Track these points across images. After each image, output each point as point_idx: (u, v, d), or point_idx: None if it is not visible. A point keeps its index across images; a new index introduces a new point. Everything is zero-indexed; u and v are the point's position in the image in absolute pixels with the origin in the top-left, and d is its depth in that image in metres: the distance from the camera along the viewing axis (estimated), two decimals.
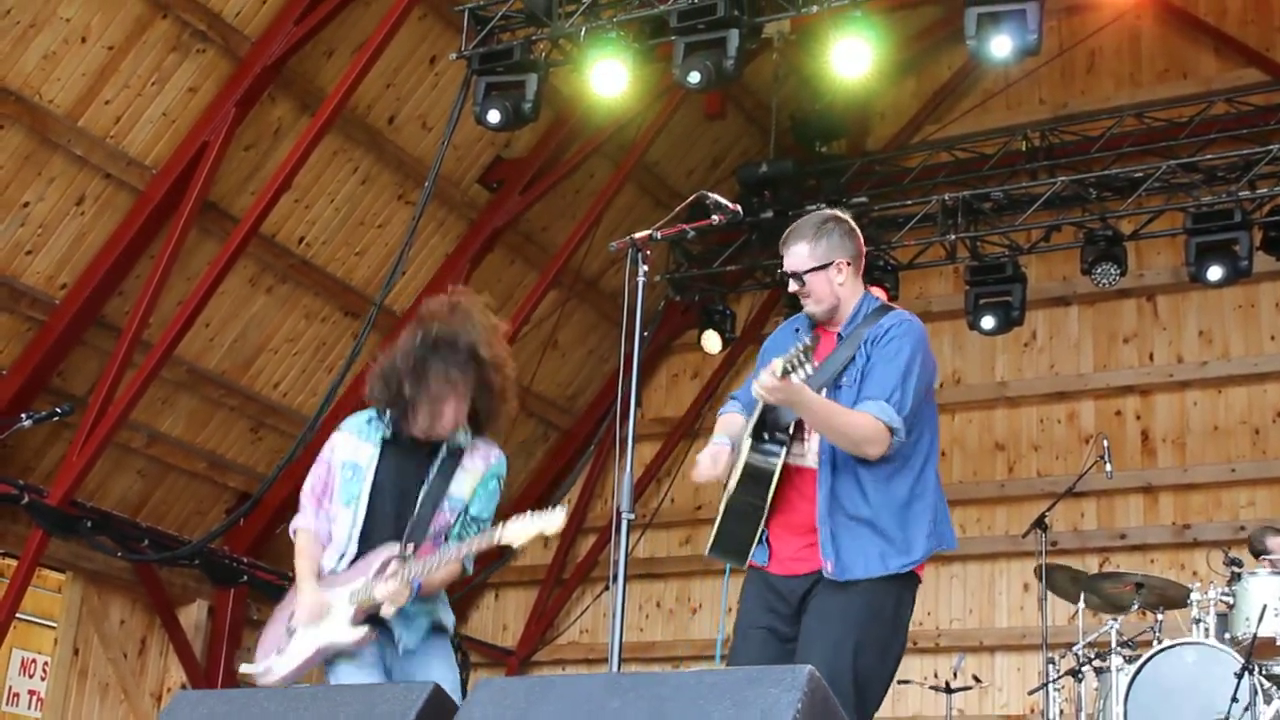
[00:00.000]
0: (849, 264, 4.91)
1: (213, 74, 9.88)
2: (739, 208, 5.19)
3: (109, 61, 9.46)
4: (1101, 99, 12.63)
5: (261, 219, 10.08)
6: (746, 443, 4.81)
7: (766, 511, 4.79)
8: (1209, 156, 11.22)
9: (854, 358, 4.74)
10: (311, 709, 3.98)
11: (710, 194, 5.25)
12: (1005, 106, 12.99)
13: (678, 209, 5.31)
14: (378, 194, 11.17)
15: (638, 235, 5.03)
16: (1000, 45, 8.71)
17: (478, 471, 5.25)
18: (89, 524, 10.33)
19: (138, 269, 10.04)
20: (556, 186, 11.88)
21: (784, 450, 4.76)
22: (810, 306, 4.92)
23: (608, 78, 9.68)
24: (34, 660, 13.08)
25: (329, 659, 5.15)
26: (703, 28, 9.08)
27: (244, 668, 5.44)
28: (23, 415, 7.18)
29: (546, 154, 11.69)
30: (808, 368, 4.46)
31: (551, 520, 4.97)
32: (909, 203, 12.01)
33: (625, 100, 10.45)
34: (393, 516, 5.17)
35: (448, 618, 5.31)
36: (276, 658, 5.21)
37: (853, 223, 5.02)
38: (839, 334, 4.89)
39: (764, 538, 4.85)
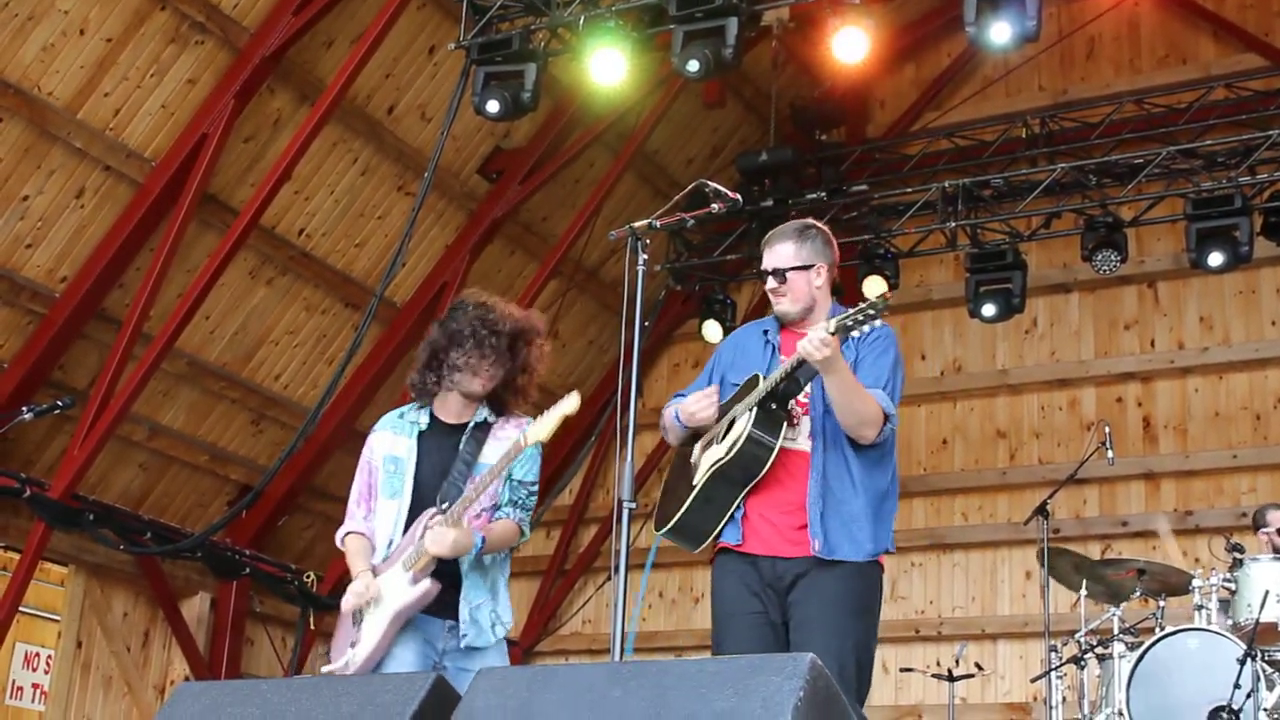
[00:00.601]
0: (827, 270, 5.06)
1: (211, 65, 9.87)
2: (738, 196, 5.22)
3: (108, 54, 9.45)
4: (1101, 85, 12.62)
5: (261, 211, 10.08)
6: (748, 414, 4.85)
7: (748, 491, 4.88)
8: (1209, 142, 11.21)
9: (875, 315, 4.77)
10: (314, 699, 3.98)
11: (709, 182, 5.26)
12: (1005, 93, 12.97)
13: (677, 198, 5.32)
14: (377, 185, 11.16)
15: (637, 224, 5.05)
16: (1000, 32, 8.69)
17: (511, 438, 5.32)
18: (91, 517, 10.33)
19: (138, 261, 10.03)
20: (556, 176, 11.86)
21: (782, 430, 4.85)
22: (785, 306, 5.04)
23: (606, 67, 9.66)
24: (37, 654, 13.07)
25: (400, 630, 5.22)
26: (701, 16, 9.05)
27: (325, 667, 5.51)
28: (24, 408, 7.19)
29: (546, 144, 11.68)
30: (876, 323, 4.60)
31: (567, 403, 5.12)
32: (909, 190, 12.00)
33: (624, 89, 10.42)
34: (438, 493, 5.30)
35: (507, 614, 5.39)
36: (352, 650, 5.29)
37: (829, 231, 5.16)
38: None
39: (738, 517, 4.92)
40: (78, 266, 9.88)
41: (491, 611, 5.32)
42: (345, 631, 5.39)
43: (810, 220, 5.21)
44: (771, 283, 5.03)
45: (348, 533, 5.45)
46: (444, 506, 5.21)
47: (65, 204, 9.68)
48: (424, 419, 5.45)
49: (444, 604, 5.23)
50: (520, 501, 5.39)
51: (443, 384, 5.41)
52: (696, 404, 5.03)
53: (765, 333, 5.14)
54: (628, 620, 4.98)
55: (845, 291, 10.25)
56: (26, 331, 9.87)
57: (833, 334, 4.58)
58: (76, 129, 9.50)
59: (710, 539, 5.00)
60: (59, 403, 7.12)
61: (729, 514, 4.93)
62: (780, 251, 5.03)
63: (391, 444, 5.46)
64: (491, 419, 5.43)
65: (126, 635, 11.20)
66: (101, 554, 10.77)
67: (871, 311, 4.57)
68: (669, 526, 5.06)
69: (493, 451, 5.34)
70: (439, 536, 5.10)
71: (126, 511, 10.82)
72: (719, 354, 5.28)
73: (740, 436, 4.85)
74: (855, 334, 4.62)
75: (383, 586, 5.23)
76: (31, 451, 10.25)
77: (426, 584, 5.15)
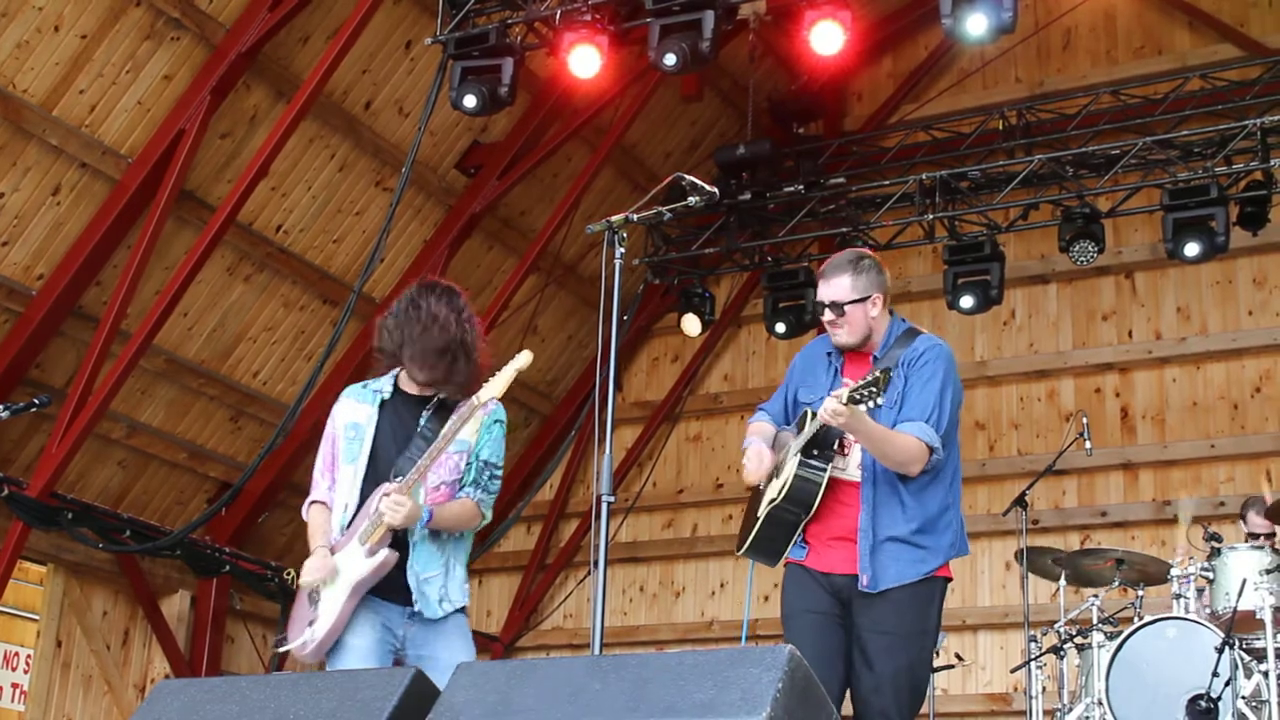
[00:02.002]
0: (882, 299, 5.27)
1: (187, 61, 9.84)
2: (715, 190, 5.26)
3: (83, 50, 9.41)
4: (1077, 77, 12.66)
5: (239, 207, 10.05)
6: (795, 458, 5.08)
7: (806, 521, 5.10)
8: (1185, 133, 11.24)
9: (891, 379, 4.95)
10: (294, 695, 3.98)
11: (687, 176, 5.28)
12: (982, 85, 13.00)
13: (654, 191, 5.32)
14: (355, 181, 11.14)
15: (614, 218, 5.05)
16: (976, 24, 8.73)
17: (477, 417, 5.35)
18: (69, 515, 10.29)
19: (115, 259, 10.00)
20: (534, 171, 11.85)
21: (830, 466, 5.07)
22: (842, 337, 5.24)
23: (583, 61, 9.65)
24: (16, 653, 13.03)
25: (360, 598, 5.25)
26: (678, 9, 9.07)
27: (281, 647, 5.56)
28: (0, 407, 7.15)
29: (523, 138, 11.66)
30: (879, 400, 4.79)
31: (520, 359, 5.28)
32: (886, 183, 12.03)
33: (602, 83, 10.43)
34: (393, 467, 5.33)
35: (458, 594, 5.37)
36: (310, 629, 5.31)
37: (879, 260, 5.40)
38: (874, 356, 5.21)
39: (801, 541, 5.18)
40: (54, 264, 9.84)
41: (441, 587, 5.31)
42: (302, 610, 5.40)
43: (864, 251, 5.40)
44: (829, 314, 5.21)
45: (311, 502, 5.47)
46: (396, 479, 5.24)
47: (41, 201, 9.64)
48: (387, 388, 5.50)
49: (401, 587, 5.25)
50: (483, 483, 5.40)
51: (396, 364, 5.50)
52: (751, 466, 5.25)
53: (829, 355, 5.34)
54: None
55: None
56: (3, 330, 9.82)
57: (845, 404, 4.78)
58: (52, 126, 9.46)
59: (783, 559, 5.26)
60: (36, 401, 7.08)
61: (793, 542, 5.18)
62: (837, 285, 5.21)
63: (353, 411, 5.50)
64: (452, 398, 5.43)
65: (106, 634, 11.17)
66: (80, 552, 10.74)
67: (875, 389, 4.75)
68: (745, 549, 5.30)
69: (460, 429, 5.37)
70: (392, 505, 5.12)
71: (105, 510, 10.78)
72: (792, 369, 5.49)
73: (788, 478, 5.08)
74: (863, 406, 4.80)
75: (339, 562, 5.25)
76: (9, 450, 10.21)
77: (384, 554, 5.18)
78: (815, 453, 5.08)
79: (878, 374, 4.77)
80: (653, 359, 14.04)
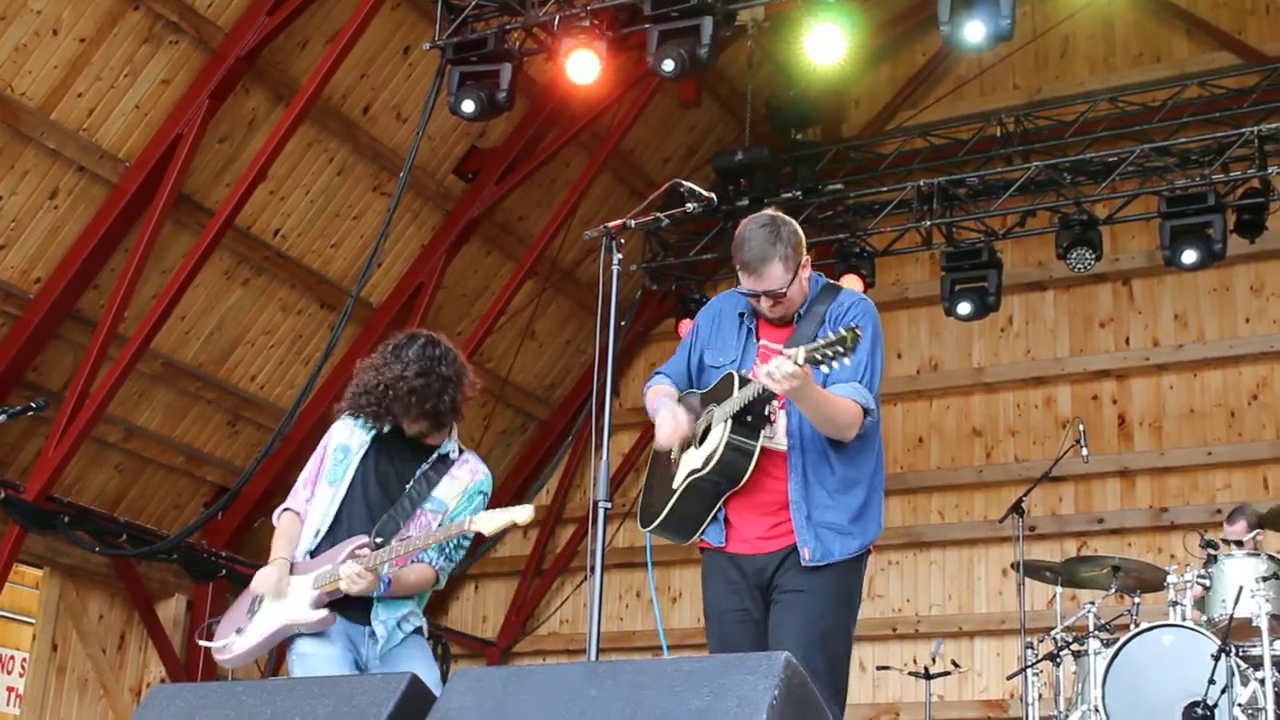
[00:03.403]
0: (808, 259, 4.93)
1: (185, 65, 9.84)
2: (713, 195, 5.17)
3: (81, 54, 9.41)
4: (1075, 84, 12.67)
5: (236, 211, 10.05)
6: (723, 425, 4.80)
7: (731, 493, 4.86)
8: (1182, 140, 11.25)
9: (817, 335, 4.75)
10: (289, 701, 3.97)
11: (684, 182, 5.24)
12: (979, 92, 13.01)
13: (652, 197, 5.29)
14: (353, 185, 11.14)
15: (612, 224, 5.03)
16: (974, 31, 8.73)
17: (464, 482, 5.38)
18: (66, 519, 10.30)
19: (112, 262, 9.99)
20: (532, 176, 11.85)
21: (760, 439, 4.80)
22: (781, 311, 4.91)
23: (582, 66, 9.66)
24: (12, 657, 13.02)
25: (290, 639, 5.23)
26: (676, 15, 9.07)
27: (203, 642, 5.59)
28: None
29: (522, 143, 11.67)
30: (847, 359, 4.48)
31: (521, 512, 5.08)
32: (884, 189, 12.02)
33: (600, 89, 10.43)
34: (371, 504, 5.30)
35: (418, 618, 5.39)
36: (236, 636, 5.32)
37: (786, 216, 4.97)
38: (796, 314, 4.93)
39: (721, 517, 4.91)
40: (52, 267, 9.84)
41: (400, 619, 5.30)
42: (238, 613, 5.40)
43: (768, 216, 4.92)
44: (767, 301, 4.87)
45: (285, 509, 5.46)
46: (377, 541, 5.18)
47: (39, 205, 9.64)
48: (387, 424, 5.41)
49: (363, 612, 5.23)
50: (448, 551, 5.36)
51: (380, 412, 5.37)
52: (666, 428, 4.91)
53: (741, 316, 5.03)
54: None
55: None
56: (0, 333, 9.82)
57: (801, 364, 4.48)
58: (50, 130, 9.46)
59: (697, 535, 4.99)
60: (33, 404, 7.07)
61: (711, 516, 4.92)
62: (773, 274, 4.78)
63: (348, 435, 5.46)
64: (455, 454, 5.42)
65: (102, 637, 11.16)
66: (77, 556, 10.74)
67: (841, 349, 4.44)
68: (656, 525, 5.02)
69: (445, 490, 5.34)
70: (354, 576, 5.07)
71: (102, 513, 10.78)
72: (698, 327, 5.17)
73: (718, 447, 4.79)
74: (823, 368, 4.48)
75: (290, 588, 5.22)
76: (6, 454, 10.21)
77: (323, 614, 5.15)
78: (748, 419, 4.75)
79: (843, 332, 4.44)
80: (650, 364, 14.02)
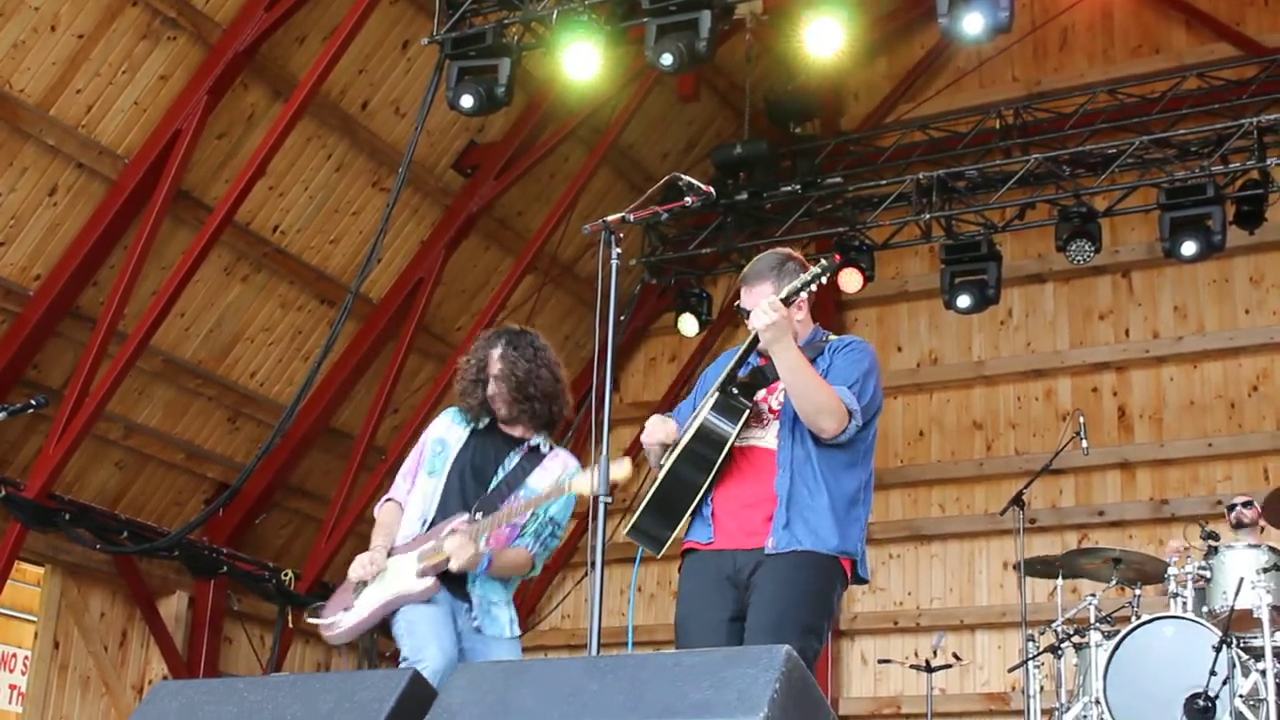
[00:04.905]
0: (806, 301, 4.99)
1: (184, 61, 9.83)
2: (712, 190, 5.19)
3: (79, 50, 9.41)
4: (1074, 76, 12.66)
5: (236, 207, 10.05)
6: (711, 397, 4.87)
7: (708, 484, 4.86)
8: (1182, 132, 11.26)
9: (815, 360, 4.83)
10: (291, 696, 3.97)
11: (683, 176, 5.25)
12: (978, 85, 13.00)
13: (650, 191, 5.31)
14: (352, 180, 11.13)
15: (610, 218, 5.03)
16: (972, 23, 8.73)
17: (555, 472, 5.67)
18: (67, 516, 10.29)
19: (112, 259, 9.99)
20: (531, 171, 11.85)
21: (742, 420, 4.82)
22: None
23: (580, 61, 9.66)
24: (14, 654, 13.02)
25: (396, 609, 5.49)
26: (675, 9, 9.07)
27: (312, 620, 5.88)
28: None
29: (520, 138, 11.66)
30: (823, 279, 4.64)
31: (619, 467, 5.16)
32: (883, 182, 12.02)
33: (599, 83, 10.43)
34: (467, 492, 5.60)
35: (513, 618, 5.69)
36: (344, 614, 5.61)
37: (803, 259, 5.08)
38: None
39: (706, 514, 4.91)
40: (51, 264, 9.83)
41: (509, 612, 5.63)
42: (344, 594, 5.66)
43: (786, 252, 5.08)
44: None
45: (386, 499, 5.76)
46: (476, 515, 5.45)
47: (38, 202, 9.63)
48: (485, 419, 5.73)
49: (462, 587, 5.51)
50: (543, 537, 5.68)
51: (479, 407, 5.71)
52: (651, 427, 5.06)
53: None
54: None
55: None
56: (0, 330, 9.82)
57: (782, 299, 4.62)
58: (48, 126, 9.46)
59: (670, 542, 4.95)
60: (33, 401, 7.08)
61: (690, 511, 4.90)
62: (760, 292, 4.88)
63: (446, 430, 5.76)
64: (545, 448, 5.72)
65: (104, 635, 11.16)
66: (78, 553, 10.73)
67: (819, 271, 4.61)
68: (631, 525, 5.03)
69: (538, 479, 5.62)
70: (459, 546, 5.35)
71: (103, 511, 10.78)
72: (704, 377, 5.26)
73: (698, 421, 4.86)
74: (803, 293, 4.66)
75: (390, 566, 5.49)
76: (6, 451, 10.20)
77: (430, 581, 5.42)
78: (734, 390, 4.84)
79: (824, 261, 4.62)
80: (650, 359, 14.04)
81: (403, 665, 5.17)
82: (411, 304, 11.62)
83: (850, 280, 11.66)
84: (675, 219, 11.30)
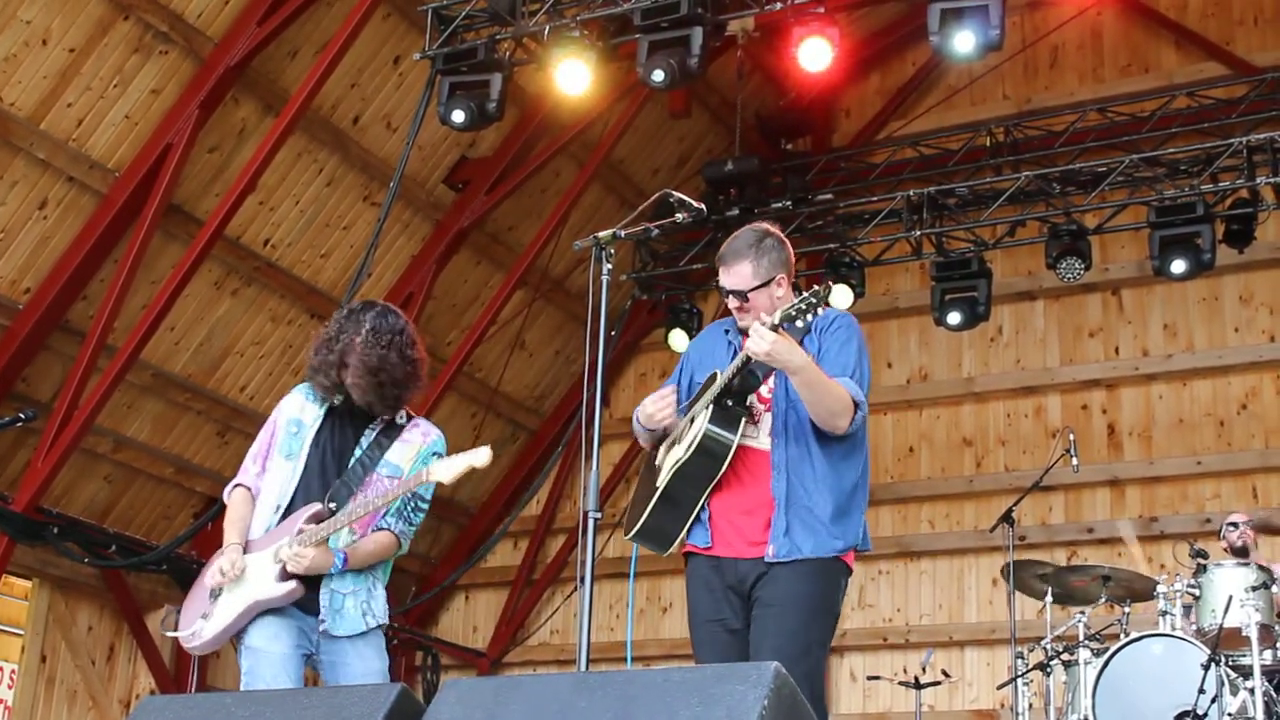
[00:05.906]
0: (787, 278, 4.96)
1: (175, 75, 9.83)
2: (703, 206, 5.20)
3: (70, 64, 9.41)
4: (1065, 94, 12.70)
5: (226, 221, 10.05)
6: (706, 410, 4.81)
7: (711, 489, 4.84)
8: (1171, 150, 11.28)
9: (804, 343, 4.75)
10: (278, 712, 3.96)
11: (674, 192, 5.25)
12: (969, 102, 13.04)
13: (642, 207, 5.29)
14: (343, 195, 11.14)
15: (602, 234, 5.03)
16: (963, 41, 8.75)
17: (415, 444, 5.34)
18: (55, 530, 10.27)
19: (102, 273, 9.98)
20: (522, 186, 11.86)
21: (741, 424, 4.80)
22: (748, 320, 4.89)
23: (572, 77, 9.68)
24: (1, 668, 12.98)
25: (242, 629, 5.19)
26: (666, 26, 9.09)
27: (168, 632, 5.55)
28: None
29: (512, 154, 11.68)
30: (819, 310, 4.56)
31: (478, 455, 5.01)
32: (874, 199, 12.05)
33: (590, 99, 10.45)
34: (328, 475, 5.28)
35: (379, 607, 5.31)
36: (202, 622, 5.25)
37: (781, 234, 5.05)
38: (779, 328, 4.87)
39: (704, 519, 4.89)
40: (41, 278, 9.83)
41: (364, 602, 5.24)
42: (199, 600, 5.33)
43: (763, 228, 5.03)
44: (734, 301, 4.93)
45: (236, 485, 5.41)
46: (331, 506, 5.16)
47: (28, 215, 9.63)
48: (339, 396, 5.37)
49: (313, 601, 5.17)
50: (406, 514, 5.31)
51: (332, 386, 5.35)
52: (653, 405, 4.99)
53: (726, 332, 5.09)
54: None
55: None
56: None
57: (775, 327, 4.57)
58: (39, 140, 9.46)
59: (677, 542, 4.95)
60: (21, 415, 7.04)
61: (694, 515, 4.88)
62: (739, 272, 4.89)
63: (300, 408, 5.43)
64: (402, 418, 5.39)
65: (91, 649, 11.13)
66: (66, 567, 10.71)
67: (813, 300, 4.55)
68: (635, 530, 4.99)
69: (397, 454, 5.31)
70: (298, 557, 5.06)
71: (91, 524, 10.76)
72: (686, 355, 5.24)
73: (697, 435, 4.80)
74: (799, 324, 4.57)
75: (249, 568, 5.17)
76: None
77: (291, 585, 5.11)
78: (729, 404, 4.78)
79: (817, 288, 4.55)
80: (640, 374, 14.03)
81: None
82: None
83: (841, 296, 11.67)
84: (666, 235, 11.29)
